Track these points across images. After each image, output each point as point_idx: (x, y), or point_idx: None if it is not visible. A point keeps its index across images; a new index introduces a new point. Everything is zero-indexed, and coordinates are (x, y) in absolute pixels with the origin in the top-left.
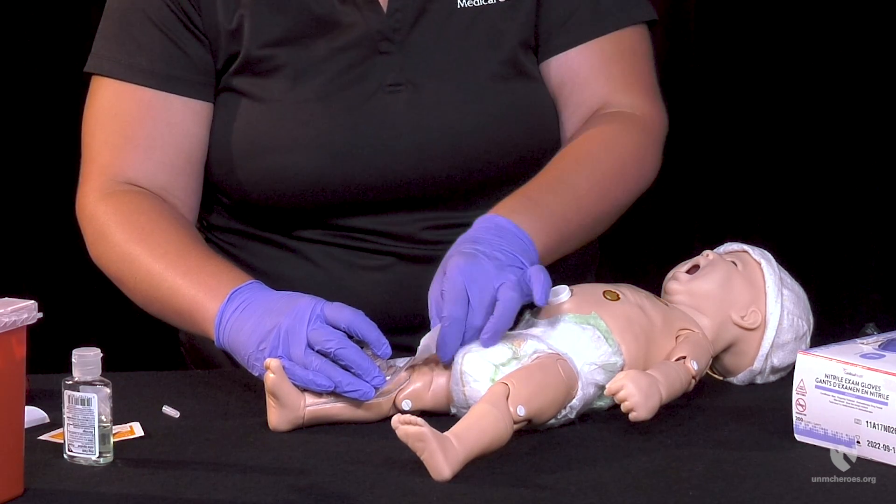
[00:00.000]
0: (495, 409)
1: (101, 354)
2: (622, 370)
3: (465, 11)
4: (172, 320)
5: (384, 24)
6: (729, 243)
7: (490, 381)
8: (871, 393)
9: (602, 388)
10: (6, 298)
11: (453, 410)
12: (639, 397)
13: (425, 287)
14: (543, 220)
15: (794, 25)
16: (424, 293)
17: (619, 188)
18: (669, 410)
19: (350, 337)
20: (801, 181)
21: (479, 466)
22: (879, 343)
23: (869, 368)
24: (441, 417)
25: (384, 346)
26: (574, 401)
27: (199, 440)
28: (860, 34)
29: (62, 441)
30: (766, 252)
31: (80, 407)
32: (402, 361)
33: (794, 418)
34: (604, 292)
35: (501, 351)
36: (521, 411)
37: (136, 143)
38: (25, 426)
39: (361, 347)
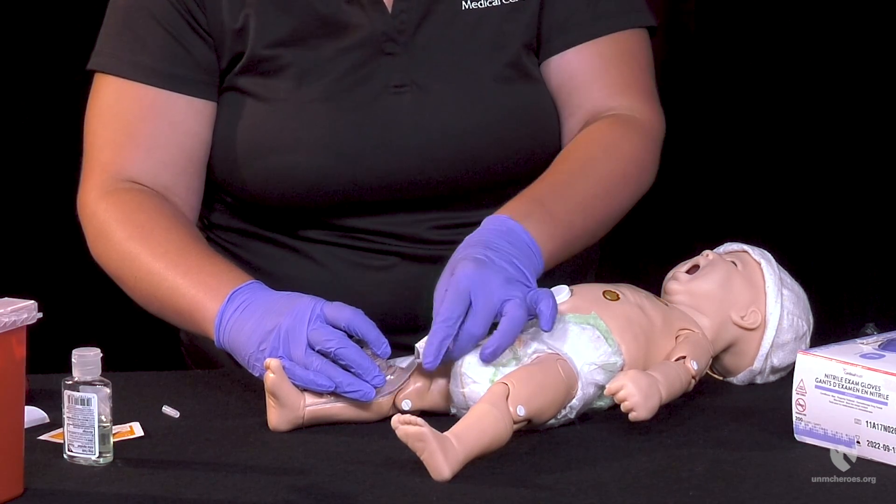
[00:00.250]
0: (495, 409)
1: (101, 354)
2: (622, 370)
3: (469, 13)
4: (172, 319)
5: (389, 24)
6: (729, 243)
7: (489, 381)
8: (871, 393)
9: (602, 388)
10: (6, 298)
11: (453, 410)
12: (639, 397)
13: (429, 287)
14: (551, 227)
15: (793, 26)
16: (428, 293)
17: (621, 193)
18: (669, 410)
19: (350, 336)
20: (802, 181)
21: (479, 466)
22: (879, 343)
23: (869, 368)
24: (441, 417)
25: (384, 346)
26: (574, 401)
27: (199, 440)
28: (860, 35)
29: (62, 441)
30: (765, 252)
31: (80, 407)
32: (402, 361)
33: (794, 418)
34: (604, 292)
35: None
36: (521, 411)
37: (138, 142)
38: (25, 426)
39: (361, 347)
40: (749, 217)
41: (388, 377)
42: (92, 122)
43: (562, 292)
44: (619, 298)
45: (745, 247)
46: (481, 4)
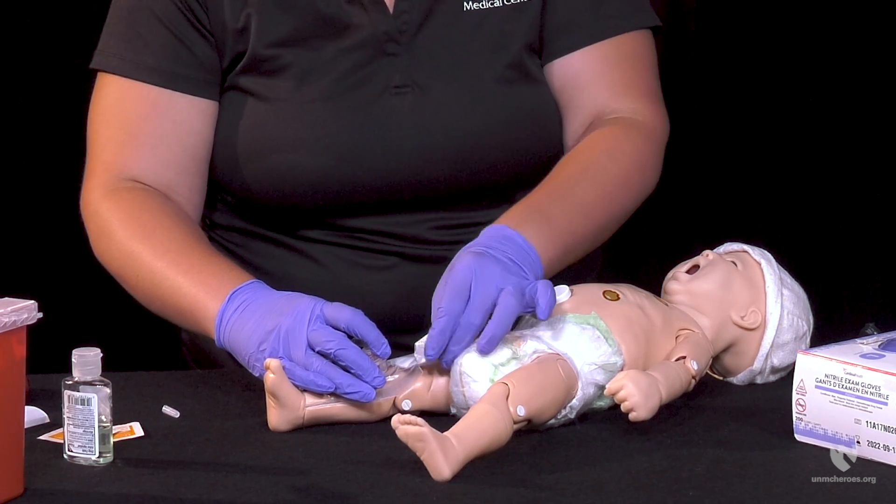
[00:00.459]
0: (495, 409)
1: (101, 354)
2: (622, 370)
3: (471, 14)
4: (174, 319)
5: (391, 25)
6: (729, 243)
7: (489, 381)
8: (871, 393)
9: (602, 388)
10: (6, 298)
11: (453, 411)
12: (639, 397)
13: (430, 287)
14: (551, 234)
15: (794, 26)
16: (429, 293)
17: (623, 197)
18: (669, 410)
19: (350, 337)
20: (802, 181)
21: (479, 466)
22: (879, 343)
23: (869, 368)
24: (441, 417)
25: (384, 346)
26: (574, 401)
27: (199, 440)
28: (860, 35)
29: (62, 441)
30: (765, 252)
31: (80, 407)
32: (402, 361)
33: (794, 418)
34: (604, 292)
35: (501, 351)
36: (521, 411)
37: (140, 141)
38: (25, 426)
39: (361, 347)
40: (749, 217)
41: (389, 378)
42: (95, 121)
43: (562, 292)
44: (619, 298)
45: (745, 247)
46: (483, 5)
